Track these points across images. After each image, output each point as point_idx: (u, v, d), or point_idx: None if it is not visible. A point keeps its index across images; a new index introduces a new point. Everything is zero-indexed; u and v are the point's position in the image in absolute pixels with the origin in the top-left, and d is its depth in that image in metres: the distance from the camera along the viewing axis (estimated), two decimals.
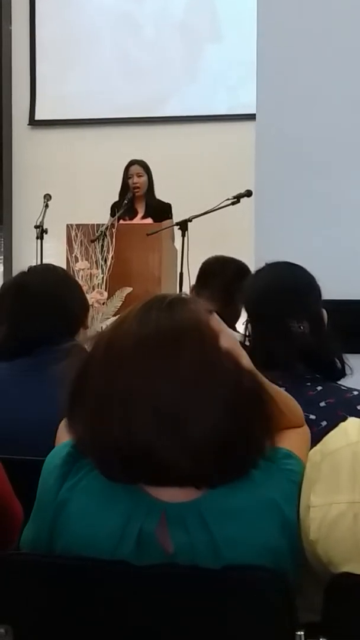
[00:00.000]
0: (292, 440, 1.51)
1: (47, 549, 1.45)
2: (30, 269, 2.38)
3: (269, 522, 1.37)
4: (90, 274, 5.06)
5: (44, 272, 2.39)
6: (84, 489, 1.42)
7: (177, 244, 5.44)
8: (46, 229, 6.10)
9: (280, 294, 2.12)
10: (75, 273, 4.99)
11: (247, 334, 2.15)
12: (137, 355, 1.34)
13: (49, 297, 2.25)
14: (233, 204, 4.95)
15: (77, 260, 5.11)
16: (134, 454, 1.32)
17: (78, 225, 5.31)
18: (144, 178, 6.13)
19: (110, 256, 5.15)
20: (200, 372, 1.32)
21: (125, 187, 6.13)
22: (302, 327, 2.09)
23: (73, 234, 5.24)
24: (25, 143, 8.07)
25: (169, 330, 1.34)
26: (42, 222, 6.11)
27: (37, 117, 8.05)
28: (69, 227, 5.38)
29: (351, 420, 1.46)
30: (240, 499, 1.37)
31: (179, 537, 1.36)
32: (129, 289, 5.11)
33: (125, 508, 1.38)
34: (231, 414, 1.32)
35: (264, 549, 1.36)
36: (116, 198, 6.18)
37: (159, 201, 6.18)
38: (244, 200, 4.89)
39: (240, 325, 2.15)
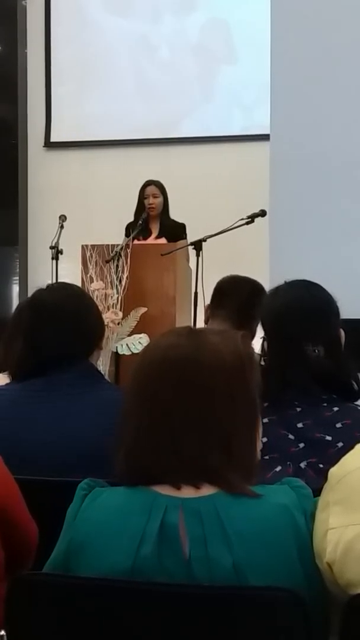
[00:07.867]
0: None
1: (69, 563, 1.46)
2: (48, 286, 2.36)
3: (280, 522, 1.41)
4: (105, 294, 5.06)
5: (61, 290, 2.36)
6: (103, 501, 1.47)
7: (192, 263, 5.44)
8: (61, 249, 6.12)
9: (297, 316, 2.10)
10: (90, 293, 4.98)
11: (264, 352, 2.14)
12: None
13: (66, 314, 2.22)
14: (247, 223, 4.95)
15: (92, 281, 5.10)
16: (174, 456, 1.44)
17: (93, 246, 5.31)
18: (160, 199, 6.15)
19: (125, 276, 5.15)
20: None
21: (140, 207, 6.14)
22: (317, 351, 2.08)
23: (88, 254, 5.23)
24: (40, 164, 8.11)
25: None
26: (57, 242, 6.13)
27: (53, 139, 8.09)
28: (84, 248, 5.39)
29: None
30: (253, 499, 1.43)
31: (194, 530, 1.40)
32: (143, 309, 5.10)
33: (144, 507, 1.42)
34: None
35: (275, 547, 1.39)
36: (131, 218, 6.20)
37: (173, 221, 6.19)
38: (258, 219, 4.90)
39: (257, 341, 2.14)
